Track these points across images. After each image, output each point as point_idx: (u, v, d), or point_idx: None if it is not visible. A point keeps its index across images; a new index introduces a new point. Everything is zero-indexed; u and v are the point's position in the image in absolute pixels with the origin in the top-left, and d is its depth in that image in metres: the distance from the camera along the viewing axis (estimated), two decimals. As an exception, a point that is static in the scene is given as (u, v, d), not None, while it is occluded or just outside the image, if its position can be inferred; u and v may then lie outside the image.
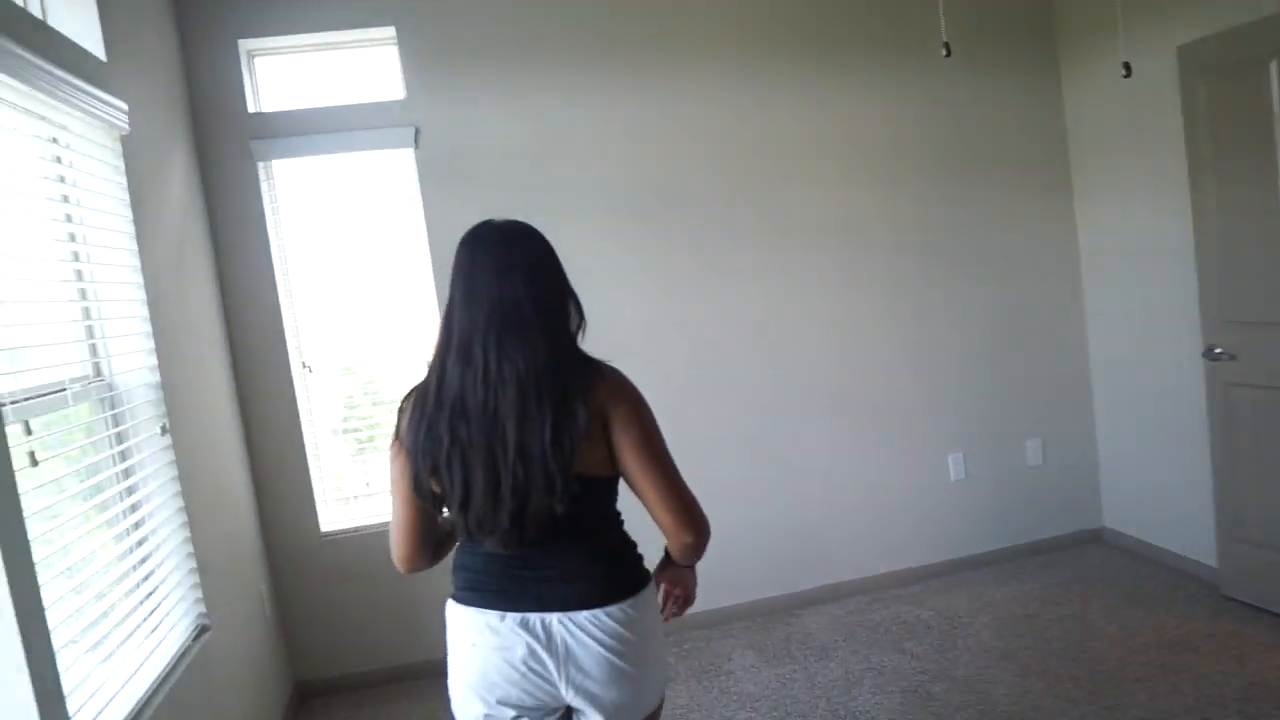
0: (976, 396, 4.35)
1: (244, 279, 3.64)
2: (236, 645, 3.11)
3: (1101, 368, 4.44)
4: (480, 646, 1.76)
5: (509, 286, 1.73)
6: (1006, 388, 4.40)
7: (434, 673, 3.93)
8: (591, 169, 3.89)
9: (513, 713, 1.78)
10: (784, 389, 4.12)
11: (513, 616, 1.75)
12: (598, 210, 3.86)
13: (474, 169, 3.78)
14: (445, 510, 1.77)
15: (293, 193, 3.75)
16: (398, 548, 1.83)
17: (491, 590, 1.77)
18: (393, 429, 1.81)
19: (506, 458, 1.66)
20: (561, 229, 3.79)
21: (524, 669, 1.75)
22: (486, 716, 1.79)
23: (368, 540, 3.79)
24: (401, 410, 1.79)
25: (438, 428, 1.69)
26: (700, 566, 1.96)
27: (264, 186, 3.66)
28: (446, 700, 1.86)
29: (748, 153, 4.03)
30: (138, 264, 2.72)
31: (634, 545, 1.87)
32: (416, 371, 2.22)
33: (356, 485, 3.99)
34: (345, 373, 3.92)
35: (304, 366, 3.75)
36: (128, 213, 2.71)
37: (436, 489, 1.73)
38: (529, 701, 1.78)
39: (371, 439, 3.96)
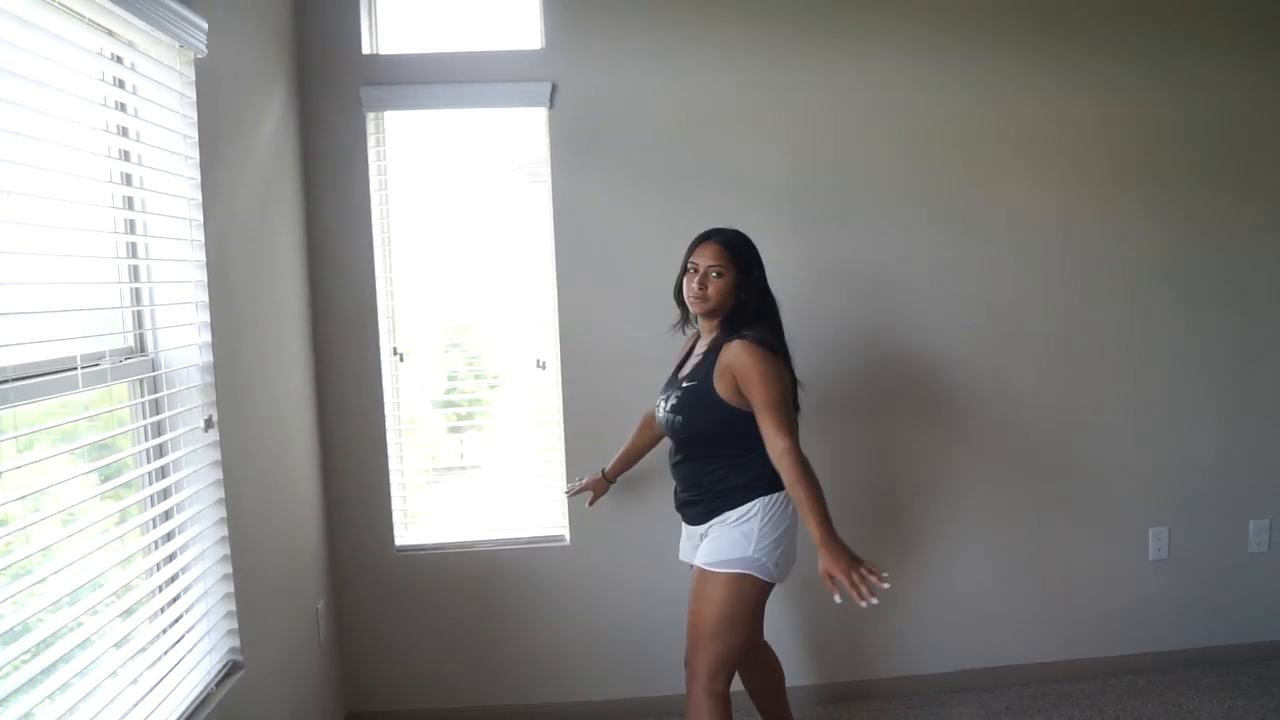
0: (1196, 460, 3.53)
1: (337, 248, 3.14)
2: (277, 678, 2.61)
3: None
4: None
5: None
6: (1237, 452, 3.55)
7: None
8: (756, 154, 3.23)
9: None
10: (964, 432, 3.40)
11: None
12: (759, 205, 3.19)
13: (615, 138, 3.18)
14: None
15: (402, 151, 3.23)
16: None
17: None
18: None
19: None
20: (711, 221, 3.19)
21: None
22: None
23: (446, 561, 3.26)
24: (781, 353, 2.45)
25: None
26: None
27: (371, 141, 3.16)
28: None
29: (951, 152, 3.30)
30: (199, 217, 2.22)
31: None
32: (528, 350, 3.31)
33: (450, 458, 3.50)
34: (451, 348, 3.40)
35: (395, 354, 3.23)
36: (194, 154, 2.21)
37: None
38: None
39: (471, 415, 3.45)
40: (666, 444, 2.68)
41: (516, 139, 3.26)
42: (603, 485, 3.04)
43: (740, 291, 2.44)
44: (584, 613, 3.30)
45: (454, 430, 3.47)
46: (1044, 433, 3.44)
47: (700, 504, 2.53)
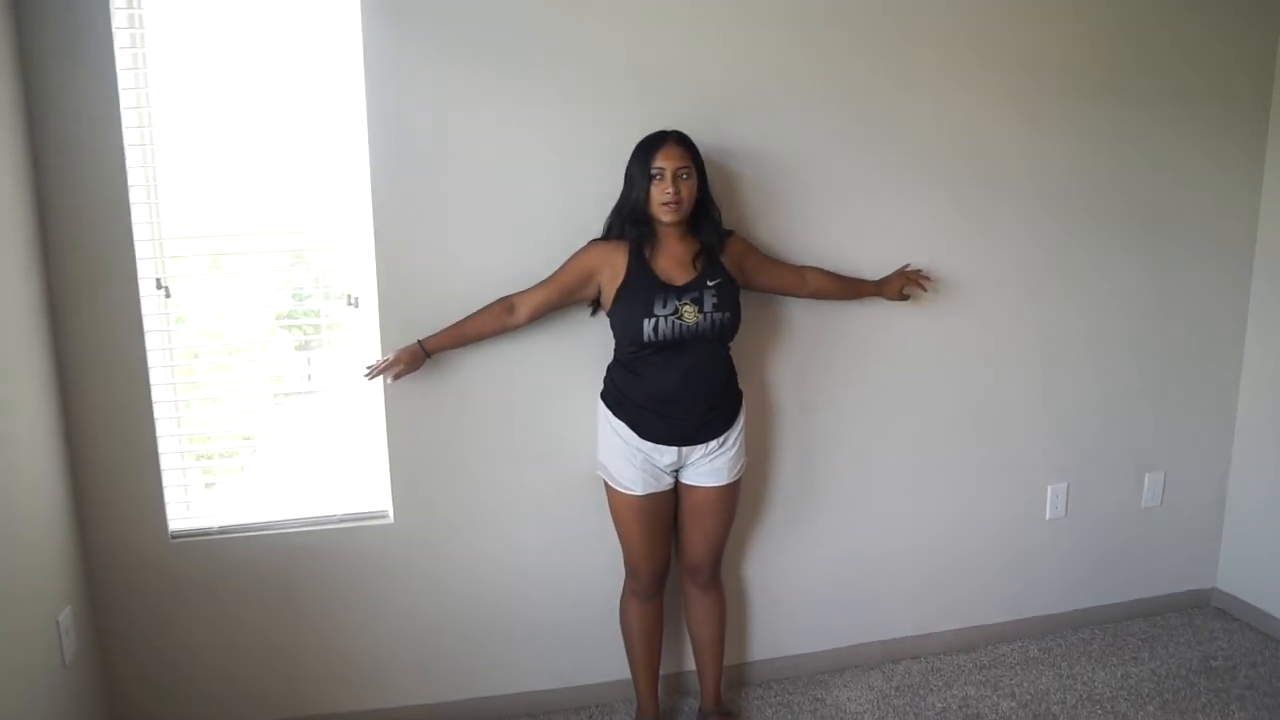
0: (1097, 410, 3.24)
1: (69, 151, 2.34)
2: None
3: (1255, 386, 3.35)
4: None
5: None
6: (1137, 402, 3.28)
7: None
8: (621, 37, 2.58)
9: None
10: (842, 376, 2.94)
11: None
12: (635, 97, 2.58)
13: (449, 14, 2.47)
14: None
15: (166, 15, 2.44)
16: None
17: None
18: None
19: None
20: (572, 118, 2.54)
21: None
22: None
23: (238, 548, 2.61)
24: None
25: None
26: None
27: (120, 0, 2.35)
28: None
29: (857, 43, 2.75)
30: None
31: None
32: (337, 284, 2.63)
33: (298, 381, 2.78)
34: (296, 260, 2.66)
35: (159, 287, 2.49)
36: None
37: None
38: None
39: (317, 329, 2.72)
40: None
41: (321, 13, 2.51)
42: (418, 356, 2.47)
43: (700, 190, 2.40)
44: (411, 603, 2.73)
45: (302, 348, 2.74)
46: (942, 380, 3.04)
47: (721, 412, 2.50)
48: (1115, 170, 3.07)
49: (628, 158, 2.42)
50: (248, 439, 2.78)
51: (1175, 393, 3.32)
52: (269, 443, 2.76)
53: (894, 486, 3.06)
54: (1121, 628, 3.38)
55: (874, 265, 2.85)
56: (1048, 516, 3.25)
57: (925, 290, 2.85)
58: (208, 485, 2.72)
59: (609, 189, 2.47)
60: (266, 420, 2.76)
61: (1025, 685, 3.01)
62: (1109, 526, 3.34)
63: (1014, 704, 2.91)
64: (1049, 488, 3.22)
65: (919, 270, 2.83)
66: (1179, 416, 3.35)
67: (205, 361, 2.69)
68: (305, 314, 2.70)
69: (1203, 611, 3.50)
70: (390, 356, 2.44)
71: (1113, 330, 3.19)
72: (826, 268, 2.75)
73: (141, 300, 2.43)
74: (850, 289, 2.78)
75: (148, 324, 2.46)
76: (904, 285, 2.80)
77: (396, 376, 2.46)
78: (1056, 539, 3.28)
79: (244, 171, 2.54)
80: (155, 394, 2.50)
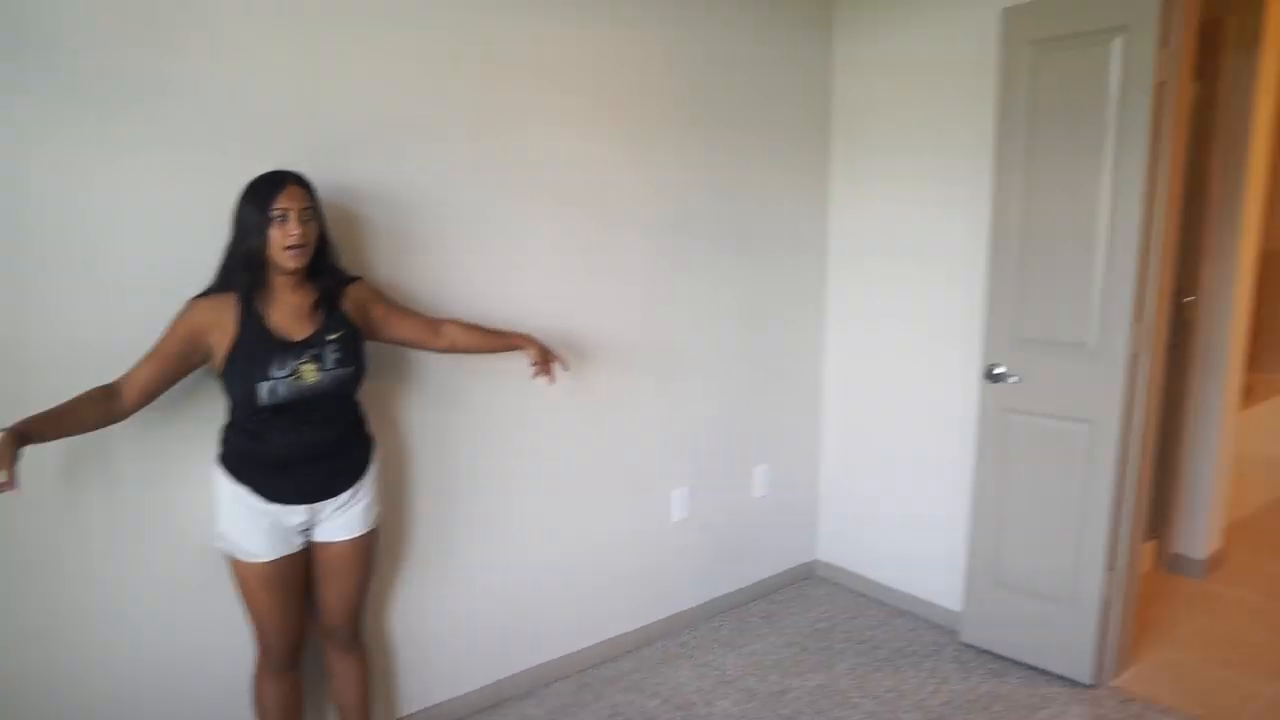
0: (711, 416, 3.53)
1: None
2: None
3: (833, 382, 3.85)
4: None
5: None
6: (744, 406, 3.63)
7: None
8: (243, 70, 2.33)
9: None
10: (475, 411, 2.93)
11: None
12: (244, 135, 2.35)
13: (17, 35, 2.12)
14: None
15: None
16: None
17: None
18: None
19: None
20: (176, 158, 2.34)
21: None
22: None
23: None
24: None
25: None
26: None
27: None
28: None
29: (471, 86, 2.73)
30: None
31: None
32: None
33: None
34: None
35: None
36: None
37: None
38: None
39: None
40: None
41: None
42: (7, 444, 1.85)
43: (320, 234, 2.28)
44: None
45: None
46: (573, 405, 3.14)
47: (351, 462, 2.41)
48: (716, 197, 3.39)
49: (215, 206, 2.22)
50: None
51: (774, 393, 3.72)
52: None
53: (531, 514, 3.10)
54: (746, 610, 3.71)
55: (505, 301, 2.87)
56: (674, 519, 3.48)
57: (551, 380, 2.77)
58: None
59: (217, 245, 2.25)
60: None
61: (667, 682, 3.19)
62: (728, 520, 3.66)
63: (658, 702, 3.08)
64: (673, 493, 3.46)
65: (554, 358, 2.73)
66: (779, 414, 3.75)
67: None
68: None
69: (809, 581, 3.95)
70: None
71: (721, 344, 3.51)
72: (464, 319, 2.69)
73: None
74: (491, 342, 2.66)
75: None
76: (538, 369, 2.68)
77: (12, 482, 1.84)
78: (684, 539, 3.53)
79: None
80: None
